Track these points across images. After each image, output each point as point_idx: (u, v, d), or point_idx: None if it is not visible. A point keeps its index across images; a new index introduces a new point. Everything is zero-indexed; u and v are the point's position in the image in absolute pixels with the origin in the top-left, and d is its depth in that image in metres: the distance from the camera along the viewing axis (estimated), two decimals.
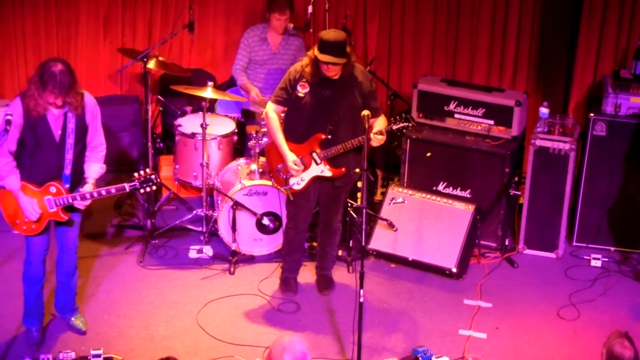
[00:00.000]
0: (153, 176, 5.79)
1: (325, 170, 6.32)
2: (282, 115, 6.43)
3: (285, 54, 7.80)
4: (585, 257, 7.33)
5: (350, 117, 6.18)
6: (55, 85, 5.45)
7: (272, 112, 6.34)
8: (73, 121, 5.66)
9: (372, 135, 6.05)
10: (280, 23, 7.68)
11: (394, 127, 6.21)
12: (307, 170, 6.33)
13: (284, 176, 6.39)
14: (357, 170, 6.39)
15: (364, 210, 5.65)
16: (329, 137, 6.23)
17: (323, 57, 5.98)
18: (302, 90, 6.18)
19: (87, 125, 5.76)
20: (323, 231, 6.68)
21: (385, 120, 6.32)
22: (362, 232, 5.56)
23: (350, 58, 6.09)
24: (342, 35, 6.05)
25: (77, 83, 5.61)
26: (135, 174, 5.79)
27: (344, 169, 6.31)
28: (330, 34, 6.04)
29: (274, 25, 7.71)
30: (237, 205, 6.96)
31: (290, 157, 6.28)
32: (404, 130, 6.31)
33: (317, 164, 6.30)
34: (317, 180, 6.38)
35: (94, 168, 5.87)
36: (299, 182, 6.36)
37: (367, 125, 5.89)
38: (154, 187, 5.86)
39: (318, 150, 6.27)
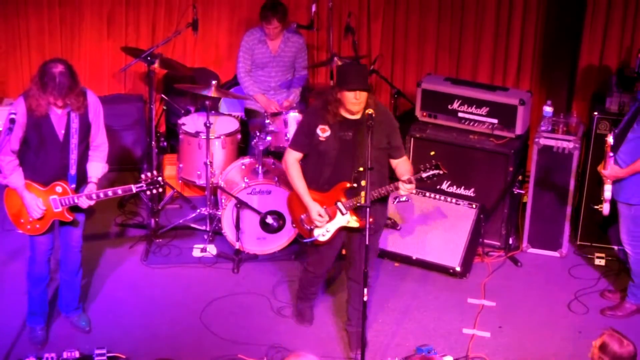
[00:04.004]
0: (160, 178, 5.79)
1: (352, 221, 5.83)
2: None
3: (285, 57, 7.74)
4: (589, 256, 7.33)
5: (377, 159, 5.70)
6: (55, 86, 5.45)
7: (292, 160, 5.88)
8: (77, 121, 5.66)
9: (400, 184, 5.69)
10: (269, 31, 7.58)
11: (424, 175, 5.70)
12: (333, 221, 5.86)
13: (308, 227, 5.94)
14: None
15: (368, 209, 5.62)
16: (355, 185, 5.76)
17: (351, 86, 5.56)
18: (322, 134, 5.74)
19: (90, 123, 5.77)
20: (353, 289, 6.09)
21: (409, 163, 5.93)
22: (366, 231, 5.53)
23: (372, 90, 5.76)
24: (362, 65, 5.77)
25: (77, 84, 5.60)
26: (143, 175, 5.79)
27: (371, 219, 5.63)
28: (350, 64, 5.76)
29: (266, 32, 7.63)
30: (241, 204, 6.97)
31: (315, 208, 5.81)
32: (434, 178, 5.74)
33: (342, 214, 5.83)
34: (344, 228, 5.95)
35: (97, 167, 5.87)
36: (324, 233, 5.89)
37: (370, 122, 5.69)
38: (160, 190, 5.86)
39: (343, 200, 5.81)
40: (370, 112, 5.59)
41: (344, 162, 5.77)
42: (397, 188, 5.73)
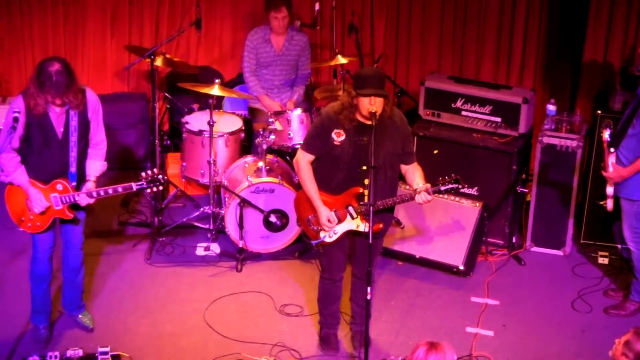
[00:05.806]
0: (160, 176, 5.78)
1: (362, 226, 5.75)
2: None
3: (289, 55, 7.76)
4: (592, 255, 7.33)
5: (392, 166, 5.72)
6: (52, 85, 5.44)
7: (304, 162, 5.78)
8: (75, 119, 5.66)
9: (417, 196, 5.64)
10: (278, 22, 7.59)
11: (442, 189, 5.65)
12: (341, 224, 5.80)
13: (315, 228, 5.88)
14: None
15: (371, 208, 5.60)
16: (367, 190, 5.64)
17: (367, 91, 5.48)
18: (337, 138, 5.64)
19: (89, 121, 5.76)
20: (357, 286, 6.11)
21: (421, 170, 5.82)
22: (370, 229, 5.51)
23: (389, 96, 5.67)
24: (379, 70, 5.69)
25: (75, 82, 5.57)
26: (143, 174, 5.79)
27: (381, 225, 5.74)
28: (367, 69, 5.66)
29: (273, 25, 7.62)
30: (244, 203, 6.97)
31: (325, 212, 5.74)
32: (452, 191, 5.72)
33: (352, 218, 5.78)
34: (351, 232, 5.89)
35: (95, 166, 5.86)
36: (331, 235, 5.83)
37: (374, 121, 5.62)
38: (161, 187, 5.85)
39: (355, 205, 5.74)
40: (373, 111, 5.51)
41: (357, 167, 5.69)
42: (412, 198, 5.69)
